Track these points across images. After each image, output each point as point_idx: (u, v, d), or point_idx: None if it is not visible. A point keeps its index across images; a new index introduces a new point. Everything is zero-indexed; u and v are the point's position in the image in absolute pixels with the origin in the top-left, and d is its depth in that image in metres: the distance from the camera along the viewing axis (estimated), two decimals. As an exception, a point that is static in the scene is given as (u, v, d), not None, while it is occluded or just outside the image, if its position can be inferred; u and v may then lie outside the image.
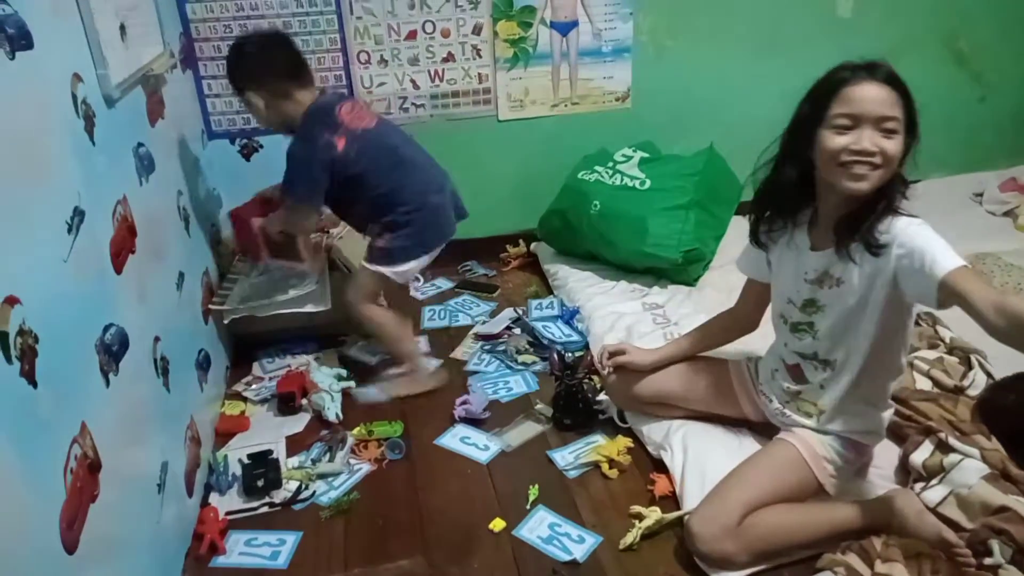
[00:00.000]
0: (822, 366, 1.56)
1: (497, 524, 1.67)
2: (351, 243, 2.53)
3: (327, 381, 2.11)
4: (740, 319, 1.77)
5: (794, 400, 1.62)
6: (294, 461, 1.89)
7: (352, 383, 2.15)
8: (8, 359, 0.99)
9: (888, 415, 1.60)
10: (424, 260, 2.06)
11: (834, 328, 1.50)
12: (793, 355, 1.60)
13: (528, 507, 1.69)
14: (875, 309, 1.42)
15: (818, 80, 1.40)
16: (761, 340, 1.75)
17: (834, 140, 1.34)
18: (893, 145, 1.32)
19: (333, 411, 2.03)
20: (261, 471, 1.79)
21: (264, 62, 1.89)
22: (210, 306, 2.16)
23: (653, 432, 1.83)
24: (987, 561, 1.39)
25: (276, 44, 1.94)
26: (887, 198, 1.36)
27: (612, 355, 1.84)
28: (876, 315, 1.43)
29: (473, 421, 2.00)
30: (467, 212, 2.19)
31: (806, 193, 1.48)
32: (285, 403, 2.08)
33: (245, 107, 1.98)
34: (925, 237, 1.32)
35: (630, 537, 1.56)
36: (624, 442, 1.82)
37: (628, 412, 1.92)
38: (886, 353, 1.49)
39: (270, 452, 1.86)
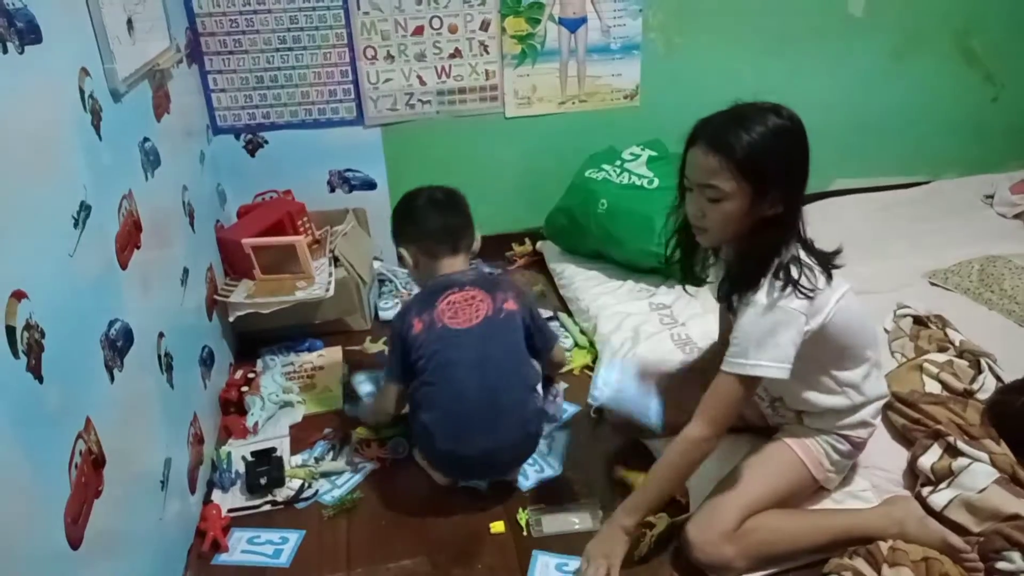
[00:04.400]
0: (770, 403, 1.61)
1: (497, 527, 1.66)
2: (352, 242, 2.53)
3: (270, 388, 2.08)
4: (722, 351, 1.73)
5: (773, 404, 1.64)
6: (297, 459, 1.89)
7: (293, 404, 2.09)
8: (15, 353, 0.99)
9: (875, 407, 1.57)
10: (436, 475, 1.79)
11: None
12: (768, 397, 1.64)
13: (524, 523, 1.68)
14: None
15: None
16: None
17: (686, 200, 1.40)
18: (714, 211, 1.32)
19: (255, 419, 1.99)
20: (264, 468, 1.79)
21: (422, 220, 1.78)
22: (216, 296, 2.16)
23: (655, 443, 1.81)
24: (1000, 566, 1.38)
25: (442, 206, 1.80)
26: (764, 257, 1.34)
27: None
28: None
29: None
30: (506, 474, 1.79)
31: None
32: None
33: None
34: (753, 324, 1.33)
35: (644, 547, 1.54)
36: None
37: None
38: (813, 373, 1.47)
39: (273, 450, 1.86)
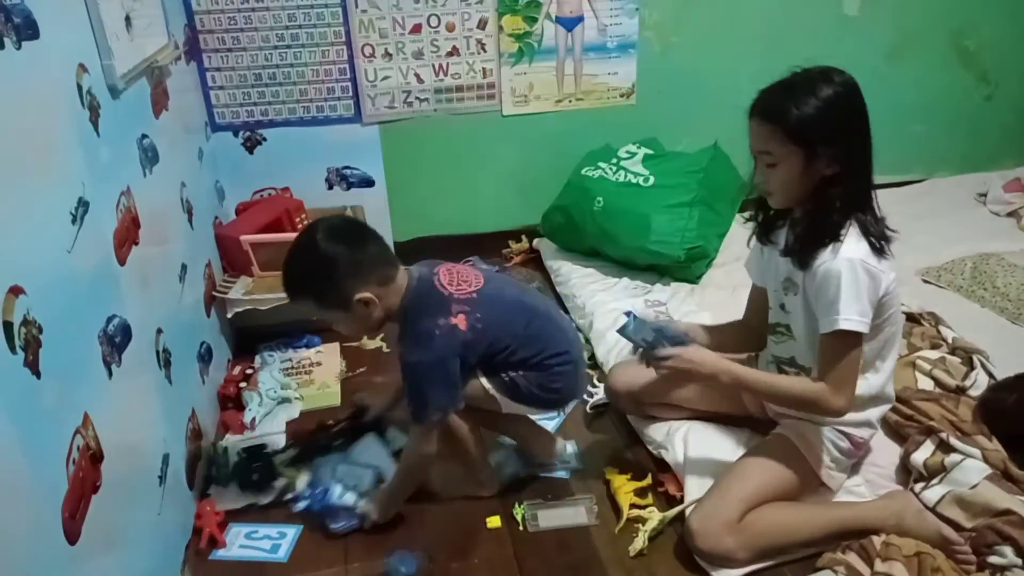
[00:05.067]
0: (796, 372, 1.58)
1: (494, 521, 1.67)
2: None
3: (268, 384, 2.08)
4: (751, 331, 1.72)
5: None
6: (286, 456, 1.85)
7: (291, 400, 2.08)
8: (12, 349, 0.99)
9: (880, 410, 1.60)
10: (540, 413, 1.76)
11: (805, 334, 1.52)
12: (775, 359, 1.63)
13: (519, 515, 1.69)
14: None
15: None
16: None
17: None
18: (774, 175, 1.41)
19: (252, 414, 2.00)
20: (258, 464, 1.78)
21: (359, 250, 1.52)
22: (214, 293, 2.17)
23: (654, 432, 1.82)
24: (992, 560, 1.39)
25: (349, 230, 1.57)
26: (832, 217, 1.40)
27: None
28: None
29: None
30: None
31: None
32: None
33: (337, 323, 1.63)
34: (839, 281, 1.37)
35: (639, 543, 1.55)
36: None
37: (630, 416, 1.91)
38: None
39: (264, 447, 1.84)
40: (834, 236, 1.40)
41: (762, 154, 1.41)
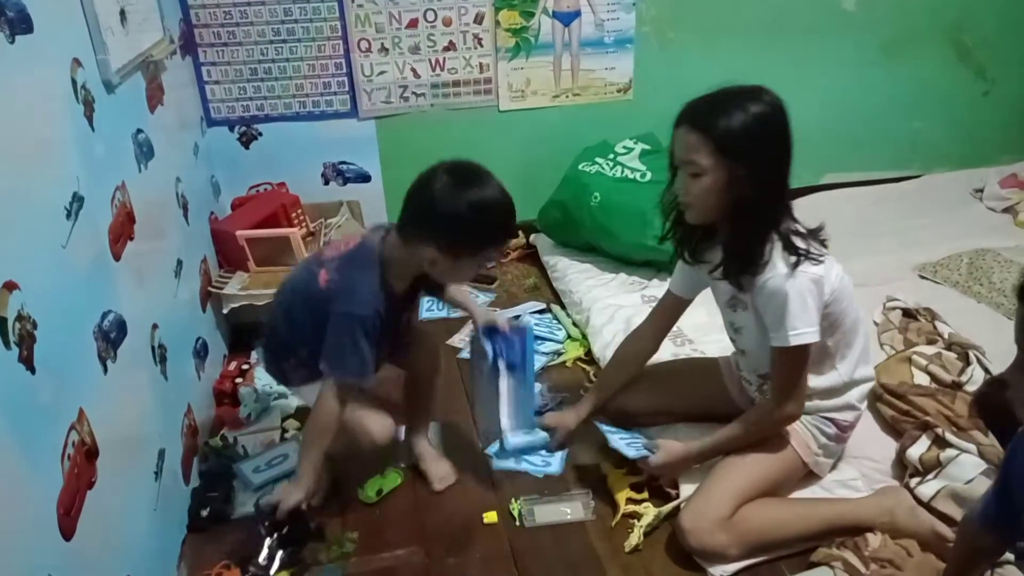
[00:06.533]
0: (759, 380, 1.61)
1: (490, 516, 1.67)
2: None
3: (264, 380, 2.05)
4: (645, 336, 1.76)
5: (761, 388, 1.65)
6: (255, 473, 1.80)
7: (287, 395, 2.03)
8: (7, 345, 0.99)
9: (860, 390, 1.60)
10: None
11: (756, 348, 1.54)
12: (751, 372, 1.65)
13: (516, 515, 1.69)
14: None
15: None
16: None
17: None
18: (695, 185, 1.39)
19: (248, 411, 1.99)
20: (213, 495, 1.69)
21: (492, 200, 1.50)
22: (210, 288, 2.16)
23: (647, 433, 1.81)
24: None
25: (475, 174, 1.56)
26: (756, 236, 1.40)
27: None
28: None
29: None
30: None
31: None
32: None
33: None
34: (781, 294, 1.38)
35: (634, 539, 1.56)
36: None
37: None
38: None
39: (230, 474, 1.76)
40: (761, 255, 1.39)
41: (686, 163, 1.39)
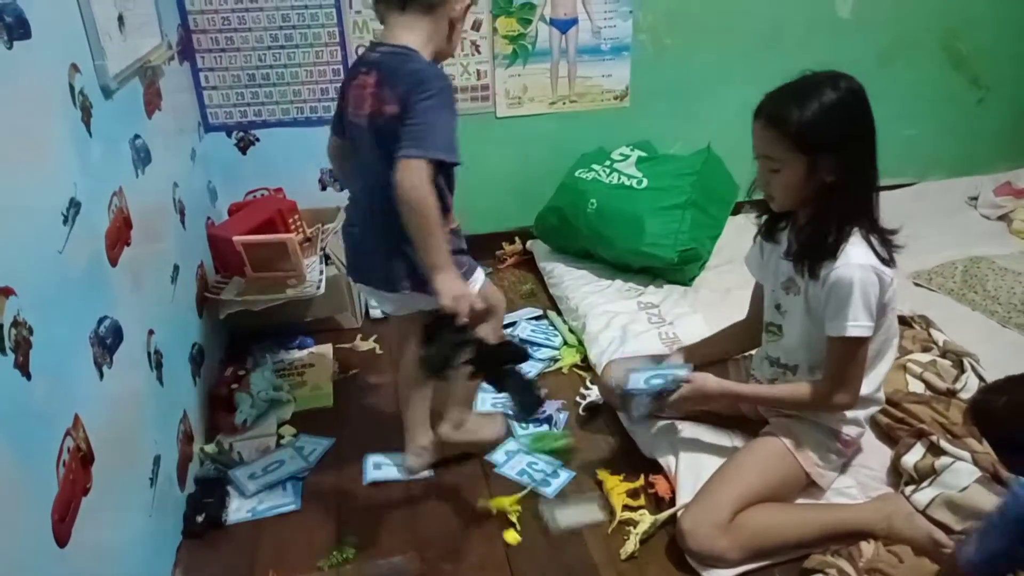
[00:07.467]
0: (782, 371, 1.61)
1: (487, 509, 1.67)
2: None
3: (260, 386, 2.06)
4: (751, 330, 1.73)
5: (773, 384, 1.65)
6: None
7: (283, 401, 2.06)
8: (2, 350, 0.99)
9: (868, 411, 1.62)
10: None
11: (796, 335, 1.54)
12: (768, 357, 1.64)
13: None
14: (823, 325, 1.47)
15: None
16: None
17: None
18: (776, 180, 1.42)
19: (244, 416, 1.98)
20: (208, 502, 1.70)
21: None
22: (207, 294, 2.16)
23: (644, 433, 1.82)
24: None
25: None
26: (834, 225, 1.41)
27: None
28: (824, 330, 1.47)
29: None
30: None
31: None
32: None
33: None
34: (851, 288, 1.39)
35: (630, 546, 1.56)
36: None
37: (621, 415, 1.91)
38: None
39: (224, 480, 1.78)
40: (837, 245, 1.41)
41: (765, 159, 1.42)
